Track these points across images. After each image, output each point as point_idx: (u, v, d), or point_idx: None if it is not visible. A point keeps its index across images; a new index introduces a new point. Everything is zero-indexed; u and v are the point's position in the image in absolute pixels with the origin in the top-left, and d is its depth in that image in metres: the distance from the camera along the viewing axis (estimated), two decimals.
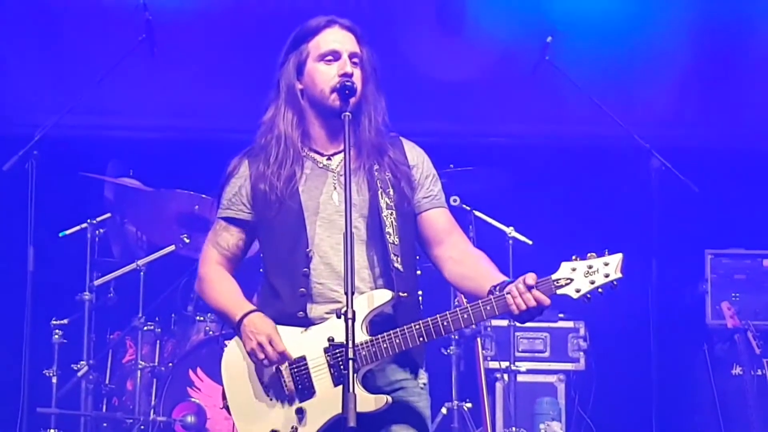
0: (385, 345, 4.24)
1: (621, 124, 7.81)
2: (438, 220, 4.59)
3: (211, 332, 7.33)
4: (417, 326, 4.24)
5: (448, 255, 4.55)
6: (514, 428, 7.90)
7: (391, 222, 4.43)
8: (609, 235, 7.87)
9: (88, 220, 7.80)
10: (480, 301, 4.24)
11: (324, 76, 4.45)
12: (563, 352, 8.39)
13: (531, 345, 8.32)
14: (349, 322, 3.92)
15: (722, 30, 8.58)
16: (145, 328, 7.61)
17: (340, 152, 4.47)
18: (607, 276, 4.12)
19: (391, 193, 4.47)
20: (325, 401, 4.22)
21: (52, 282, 7.90)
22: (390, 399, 4.24)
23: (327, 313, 4.33)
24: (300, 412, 4.28)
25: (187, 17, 8.84)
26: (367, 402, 4.17)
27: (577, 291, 4.15)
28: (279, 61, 4.60)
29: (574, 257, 4.19)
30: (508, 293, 4.18)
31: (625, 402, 8.65)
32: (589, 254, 4.18)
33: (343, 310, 3.95)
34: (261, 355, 4.29)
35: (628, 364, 8.58)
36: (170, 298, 7.76)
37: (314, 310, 4.35)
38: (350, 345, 3.89)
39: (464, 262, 4.51)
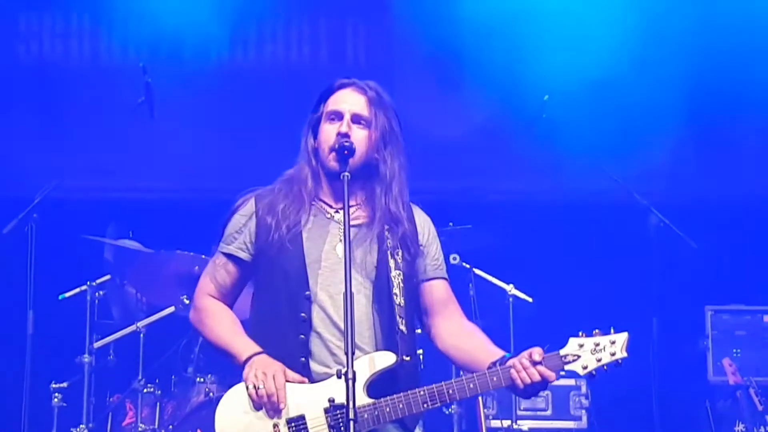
0: (388, 409, 4.26)
1: (619, 181, 7.84)
2: (438, 290, 4.65)
3: (211, 394, 7.28)
4: (422, 392, 4.27)
5: (443, 326, 4.62)
6: None
7: (398, 283, 4.46)
8: (609, 292, 7.92)
9: (88, 282, 7.79)
10: (487, 372, 4.30)
11: (326, 135, 4.51)
12: (565, 410, 8.35)
13: (533, 403, 8.27)
14: (350, 383, 3.92)
15: (718, 85, 8.63)
16: (145, 390, 7.56)
17: (352, 207, 4.46)
18: (613, 354, 4.27)
19: (400, 255, 4.50)
20: None
21: (52, 345, 7.90)
22: None
23: (325, 366, 4.33)
24: None
25: (186, 80, 8.90)
26: None
27: (584, 368, 4.28)
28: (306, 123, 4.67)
29: (581, 333, 4.31)
30: (512, 367, 4.25)
31: None
32: (594, 331, 4.31)
33: (343, 371, 3.97)
34: (270, 383, 4.24)
35: (630, 422, 8.53)
36: (170, 359, 7.72)
37: (313, 359, 4.36)
38: (351, 406, 3.90)
39: (459, 335, 4.57)
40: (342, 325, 4.29)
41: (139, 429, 7.47)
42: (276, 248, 4.43)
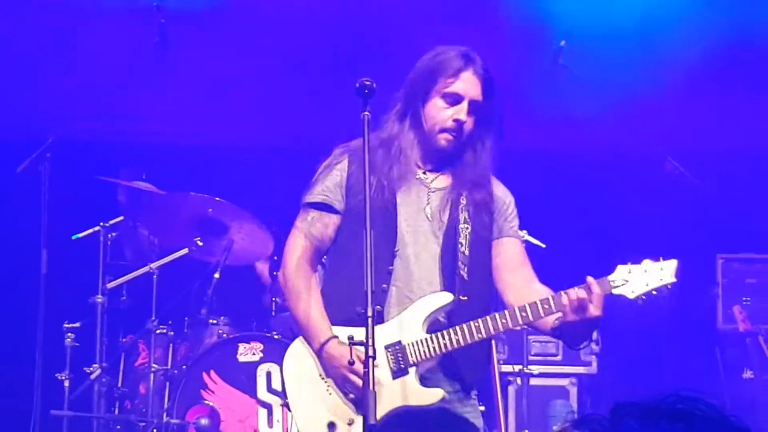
0: (443, 341, 4.41)
1: (634, 128, 7.83)
2: (512, 248, 4.78)
3: (224, 335, 7.32)
4: (476, 323, 4.40)
5: (516, 283, 4.71)
6: (527, 431, 7.90)
7: (466, 236, 4.60)
8: (622, 240, 7.92)
9: (101, 223, 7.79)
10: (538, 300, 4.39)
11: (440, 114, 4.59)
12: (576, 355, 8.37)
13: (543, 349, 8.32)
14: (370, 320, 4.03)
15: (736, 32, 8.56)
16: (158, 331, 7.58)
17: (441, 173, 4.67)
18: (661, 279, 4.37)
19: (472, 212, 4.63)
20: (382, 395, 4.28)
21: (65, 285, 7.93)
22: (445, 393, 4.43)
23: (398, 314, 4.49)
24: (358, 404, 4.40)
25: (201, 21, 8.85)
26: (424, 395, 4.40)
27: (633, 291, 4.35)
28: (412, 77, 4.70)
29: (629, 262, 4.38)
30: (563, 292, 4.34)
31: None
32: (644, 260, 4.38)
33: (362, 309, 4.12)
34: (347, 384, 4.43)
35: (639, 368, 8.58)
36: (183, 301, 7.74)
37: (389, 309, 4.50)
38: (371, 343, 4.01)
39: (531, 292, 4.60)
40: (419, 280, 4.52)
41: (152, 369, 7.50)
42: (372, 205, 4.43)
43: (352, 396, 4.42)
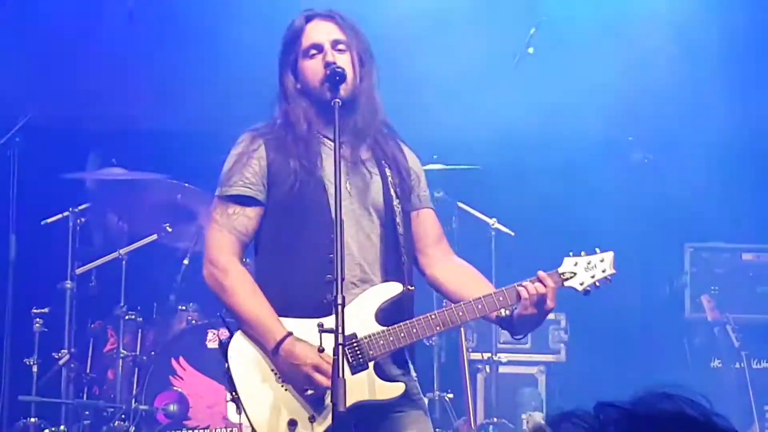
0: (402, 334, 4.36)
1: (601, 115, 7.85)
2: (429, 220, 4.75)
3: (193, 321, 7.32)
4: (433, 316, 4.37)
5: (438, 256, 4.72)
6: (495, 418, 7.91)
7: (399, 212, 4.57)
8: (590, 228, 7.93)
9: (70, 209, 7.75)
10: (493, 292, 4.42)
11: (312, 71, 4.53)
12: (544, 343, 8.42)
13: (517, 340, 8.33)
14: (339, 308, 3.98)
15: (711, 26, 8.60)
16: (127, 317, 7.57)
17: (349, 142, 4.54)
18: (603, 271, 4.52)
19: (398, 183, 4.59)
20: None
21: (34, 271, 7.88)
22: (404, 387, 4.40)
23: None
24: (316, 401, 4.32)
25: (169, 4, 8.82)
26: (387, 390, 4.37)
27: (581, 284, 4.50)
28: (279, 65, 4.65)
29: (571, 253, 4.52)
30: (519, 284, 4.39)
31: (605, 394, 8.65)
32: (582, 252, 4.54)
33: (332, 297, 4.03)
34: (308, 385, 4.28)
35: (608, 357, 8.61)
36: (152, 287, 7.74)
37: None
38: (340, 332, 3.95)
39: (456, 268, 4.69)
40: (360, 260, 4.45)
41: (121, 355, 7.49)
42: (296, 192, 4.43)
43: (310, 392, 4.29)
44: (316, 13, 4.63)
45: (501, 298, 4.39)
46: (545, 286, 4.37)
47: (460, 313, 4.39)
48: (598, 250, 4.54)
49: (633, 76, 8.64)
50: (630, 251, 7.78)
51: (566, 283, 4.47)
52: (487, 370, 8.20)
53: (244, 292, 4.42)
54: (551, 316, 8.21)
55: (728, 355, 8.14)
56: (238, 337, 4.44)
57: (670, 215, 8.73)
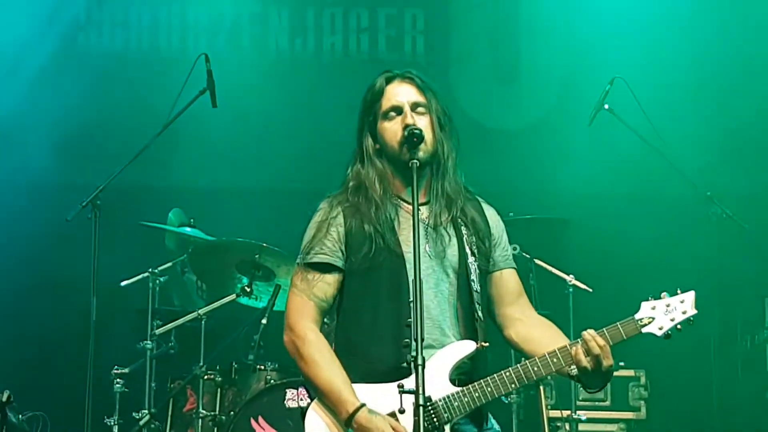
0: (477, 394, 4.34)
1: (680, 170, 7.81)
2: (510, 280, 4.73)
3: (272, 381, 7.34)
4: (507, 373, 4.36)
5: (517, 316, 4.69)
6: None
7: (475, 269, 4.55)
8: (669, 283, 7.86)
9: (150, 269, 7.85)
10: (568, 343, 4.38)
11: (391, 133, 4.55)
12: (624, 400, 8.33)
13: (592, 394, 8.26)
14: (419, 369, 3.95)
15: None
16: (206, 376, 7.62)
17: (426, 203, 4.56)
18: (684, 313, 4.36)
19: (475, 244, 4.58)
20: None
21: (114, 331, 7.97)
22: None
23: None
24: None
25: (247, 70, 8.97)
26: None
27: (660, 329, 4.36)
28: (357, 126, 4.68)
29: (650, 297, 4.40)
30: (574, 345, 4.35)
31: None
32: (662, 294, 4.41)
33: (411, 357, 4.00)
34: None
35: (689, 413, 8.50)
36: (231, 346, 7.76)
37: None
38: (420, 392, 3.94)
39: (538, 327, 4.65)
40: (439, 323, 4.44)
41: (200, 415, 7.53)
42: (374, 258, 4.45)
43: None
44: (395, 74, 4.65)
45: (555, 360, 4.35)
46: (595, 345, 4.30)
47: (536, 369, 4.35)
48: (679, 290, 4.41)
49: (711, 132, 8.62)
50: (711, 306, 7.74)
51: (644, 330, 4.35)
52: (567, 427, 8.12)
53: (321, 362, 4.42)
54: (630, 372, 8.25)
55: None
56: (315, 406, 4.46)
57: (751, 269, 8.63)
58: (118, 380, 7.72)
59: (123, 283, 7.91)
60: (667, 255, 8.63)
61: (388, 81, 4.63)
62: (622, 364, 8.27)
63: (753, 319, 8.56)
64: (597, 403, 8.23)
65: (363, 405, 4.30)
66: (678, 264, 8.53)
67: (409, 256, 4.37)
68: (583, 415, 8.05)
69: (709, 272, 8.26)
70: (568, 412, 8.02)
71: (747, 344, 8.72)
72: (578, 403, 8.07)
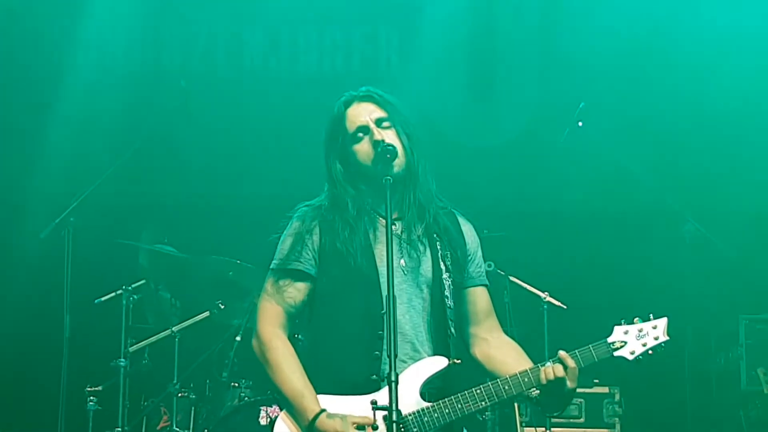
0: (447, 410, 4.36)
1: (653, 188, 7.84)
2: (481, 298, 4.77)
3: (246, 398, 7.31)
4: (478, 390, 4.39)
5: (483, 336, 4.74)
6: None
7: (449, 285, 4.58)
8: (643, 300, 7.89)
9: (123, 287, 7.81)
10: (518, 373, 4.41)
11: (363, 154, 4.59)
12: (599, 417, 8.32)
13: (566, 411, 8.19)
14: (393, 385, 3.96)
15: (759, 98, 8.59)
16: (180, 394, 7.60)
17: (400, 218, 4.59)
18: (656, 339, 4.42)
19: (449, 259, 4.60)
20: None
21: (88, 348, 7.94)
22: None
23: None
24: None
25: (221, 86, 8.96)
26: None
27: (632, 353, 4.41)
28: (324, 154, 4.72)
29: (622, 321, 4.46)
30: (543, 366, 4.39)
31: None
32: (634, 318, 4.48)
33: (384, 372, 4.06)
34: None
35: (664, 429, 8.51)
36: (205, 364, 7.75)
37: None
38: (394, 408, 3.95)
39: (503, 348, 4.69)
40: (411, 338, 4.47)
41: None
42: (348, 270, 4.48)
43: None
44: (353, 97, 4.70)
45: (526, 380, 4.38)
46: (565, 367, 4.34)
47: (506, 387, 4.37)
48: (651, 316, 4.47)
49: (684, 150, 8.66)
50: (684, 323, 7.76)
51: (615, 353, 4.41)
52: None
53: (285, 368, 4.47)
54: (605, 389, 8.26)
55: None
56: (283, 416, 4.48)
57: (725, 287, 8.66)
58: (92, 398, 7.66)
59: (97, 301, 7.87)
60: (642, 272, 8.66)
61: (347, 105, 4.68)
62: (596, 381, 8.28)
63: (727, 336, 8.57)
64: (571, 420, 8.22)
65: (323, 411, 4.34)
66: (652, 281, 8.55)
67: (382, 270, 4.40)
68: None
69: (683, 289, 8.30)
70: (543, 429, 8.02)
71: (721, 361, 8.73)
72: (553, 420, 8.06)
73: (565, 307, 7.89)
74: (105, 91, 8.74)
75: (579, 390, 8.01)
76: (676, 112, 8.73)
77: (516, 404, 7.80)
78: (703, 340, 8.72)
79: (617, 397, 8.36)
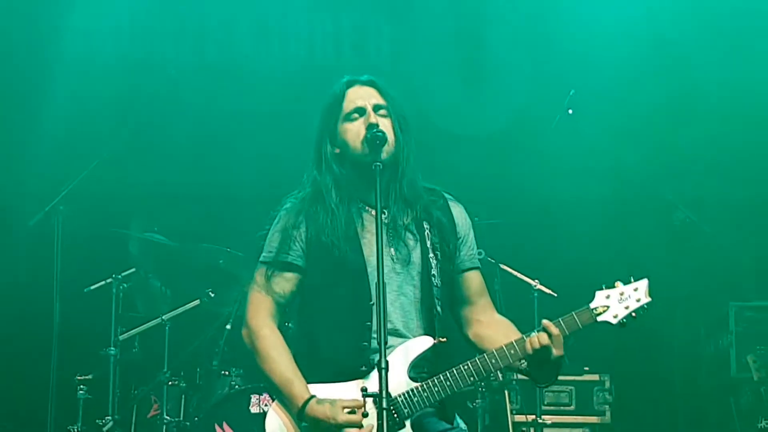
0: (436, 389, 4.36)
1: (644, 176, 7.84)
2: (474, 280, 4.76)
3: (236, 387, 7.31)
4: (466, 366, 4.38)
5: (477, 317, 4.73)
6: None
7: (436, 264, 4.57)
8: None
9: (113, 275, 7.81)
10: (504, 345, 4.39)
11: (353, 134, 4.57)
12: (589, 405, 8.34)
13: (557, 398, 8.28)
14: (383, 372, 3.96)
15: (744, 87, 8.59)
16: (170, 382, 7.59)
17: (386, 206, 4.58)
18: (638, 301, 4.37)
19: (438, 243, 4.59)
20: None
21: (78, 337, 7.93)
22: None
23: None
24: None
25: (211, 74, 8.94)
26: None
27: (615, 317, 4.37)
28: (314, 134, 4.71)
29: (603, 286, 4.43)
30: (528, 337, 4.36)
31: None
32: (616, 282, 4.44)
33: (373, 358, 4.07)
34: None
35: (654, 417, 8.53)
36: (195, 352, 7.74)
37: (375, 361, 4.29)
38: (384, 395, 3.94)
39: (494, 327, 4.67)
40: (398, 326, 4.47)
41: (165, 421, 7.49)
42: (335, 260, 4.48)
43: None
44: (356, 80, 4.70)
45: (513, 351, 4.36)
46: (549, 335, 4.32)
47: (493, 361, 4.35)
48: (632, 278, 4.43)
49: (675, 138, 8.66)
50: (675, 310, 7.78)
51: (599, 318, 4.36)
52: (532, 431, 8.14)
53: (274, 356, 4.49)
54: (595, 377, 8.27)
55: None
56: (275, 407, 4.51)
57: (715, 274, 8.67)
58: (82, 387, 7.67)
59: (86, 289, 7.85)
60: (632, 259, 8.66)
61: (349, 85, 4.69)
62: (586, 369, 8.29)
63: (716, 323, 8.58)
64: (562, 407, 8.24)
65: (312, 397, 4.35)
66: (642, 268, 8.52)
67: (371, 260, 4.42)
68: (548, 419, 8.07)
69: (674, 277, 8.31)
70: (533, 416, 8.05)
71: (711, 349, 8.75)
72: (543, 407, 8.09)
73: (555, 294, 7.90)
74: (94, 79, 8.71)
75: (569, 378, 8.18)
76: (667, 99, 8.72)
77: (506, 391, 7.81)
78: (692, 328, 8.73)
79: (607, 384, 8.37)
